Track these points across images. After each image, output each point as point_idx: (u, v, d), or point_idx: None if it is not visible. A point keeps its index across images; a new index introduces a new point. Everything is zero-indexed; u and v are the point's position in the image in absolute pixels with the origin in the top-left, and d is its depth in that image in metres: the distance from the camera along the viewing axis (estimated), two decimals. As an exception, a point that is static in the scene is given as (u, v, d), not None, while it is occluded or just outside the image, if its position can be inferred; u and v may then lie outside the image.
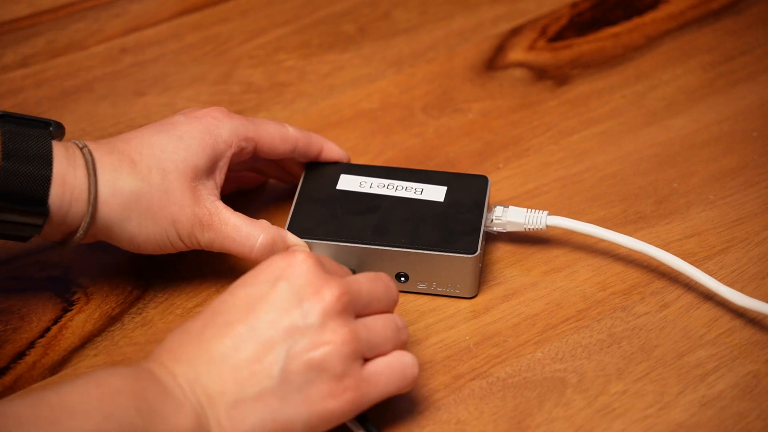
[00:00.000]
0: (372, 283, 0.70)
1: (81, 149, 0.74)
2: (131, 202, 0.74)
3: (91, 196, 0.73)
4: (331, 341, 0.66)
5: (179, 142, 0.76)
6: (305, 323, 0.66)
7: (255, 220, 0.77)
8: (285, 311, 0.66)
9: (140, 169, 0.74)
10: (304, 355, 0.66)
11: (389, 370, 0.69)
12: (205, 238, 0.76)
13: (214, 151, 0.77)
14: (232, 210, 0.77)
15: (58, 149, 0.72)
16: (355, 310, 0.68)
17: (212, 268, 0.81)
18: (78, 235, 0.73)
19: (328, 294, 0.67)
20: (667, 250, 0.79)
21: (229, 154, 0.78)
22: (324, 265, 0.69)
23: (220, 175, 0.78)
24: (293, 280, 0.67)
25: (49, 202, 0.72)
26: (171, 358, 0.65)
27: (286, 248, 0.78)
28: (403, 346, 0.70)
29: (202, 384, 0.65)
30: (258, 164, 0.85)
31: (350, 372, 0.67)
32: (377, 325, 0.69)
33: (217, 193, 0.77)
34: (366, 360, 0.68)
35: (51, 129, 0.74)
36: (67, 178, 0.72)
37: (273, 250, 0.77)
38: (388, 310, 0.71)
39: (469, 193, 0.82)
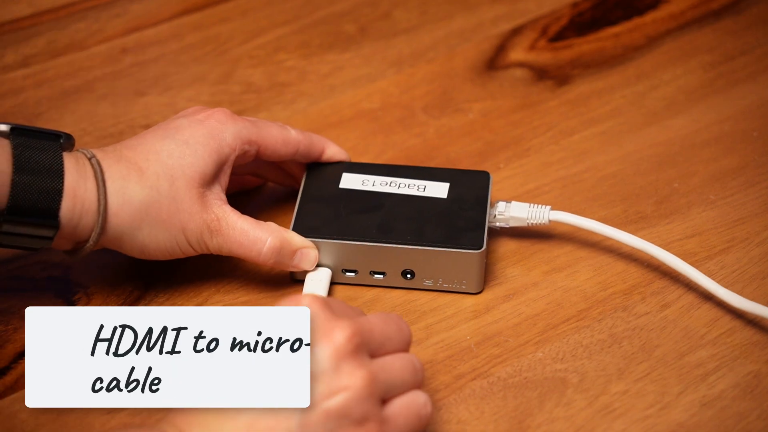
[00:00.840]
0: (383, 323, 0.67)
1: (89, 159, 0.73)
2: (141, 211, 0.74)
3: (101, 207, 0.72)
4: (348, 386, 0.63)
5: (185, 148, 0.76)
6: (318, 369, 0.63)
7: (262, 223, 0.77)
8: None
9: (148, 177, 0.74)
10: (322, 404, 0.62)
11: (407, 411, 0.66)
12: (214, 244, 0.76)
13: (219, 156, 0.77)
14: (239, 213, 0.77)
15: (69, 161, 0.72)
16: (368, 350, 0.65)
17: (214, 269, 0.81)
18: (88, 245, 0.73)
19: (339, 335, 0.63)
20: (667, 250, 0.79)
21: (232, 157, 0.78)
22: (332, 307, 0.66)
23: (224, 179, 0.78)
24: None
25: (60, 215, 0.71)
26: (183, 420, 0.63)
27: (293, 251, 0.77)
28: (420, 387, 0.67)
29: None
30: (259, 167, 0.85)
31: (371, 416, 0.63)
32: (395, 366, 0.66)
33: (223, 197, 0.77)
34: (383, 401, 0.65)
35: (61, 141, 0.73)
36: (78, 190, 0.72)
37: (280, 253, 0.77)
38: (403, 349, 0.67)
39: (471, 189, 0.82)
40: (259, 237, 0.76)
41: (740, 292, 0.77)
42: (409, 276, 0.79)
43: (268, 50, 1.02)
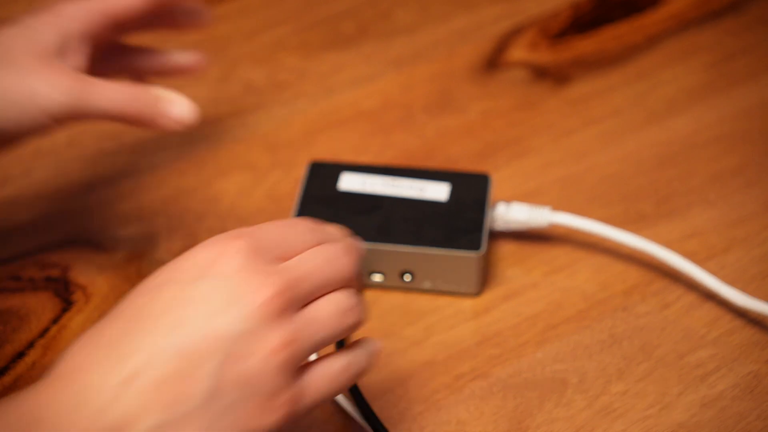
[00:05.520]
0: (325, 263, 0.60)
1: None
2: None
3: None
4: (263, 350, 0.56)
5: (24, 29, 0.72)
6: (235, 330, 0.56)
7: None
8: (211, 316, 0.56)
9: None
10: (234, 369, 0.55)
11: (325, 379, 0.60)
12: (73, 98, 0.71)
13: (59, 28, 0.73)
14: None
15: None
16: (298, 302, 0.58)
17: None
18: None
19: (261, 295, 0.56)
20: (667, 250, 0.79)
21: (77, 28, 0.74)
22: (261, 252, 0.58)
23: (77, 57, 0.73)
24: (223, 277, 0.57)
25: None
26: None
27: (155, 97, 0.74)
28: (357, 326, 0.61)
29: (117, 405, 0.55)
30: (132, 60, 0.82)
31: (284, 386, 0.57)
32: (321, 316, 0.59)
33: (78, 70, 0.73)
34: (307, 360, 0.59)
35: None
36: None
37: (139, 94, 0.73)
38: (345, 285, 0.61)
39: (471, 191, 0.82)
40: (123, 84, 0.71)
41: (741, 292, 0.77)
42: (408, 277, 0.79)
43: (267, 50, 1.02)
